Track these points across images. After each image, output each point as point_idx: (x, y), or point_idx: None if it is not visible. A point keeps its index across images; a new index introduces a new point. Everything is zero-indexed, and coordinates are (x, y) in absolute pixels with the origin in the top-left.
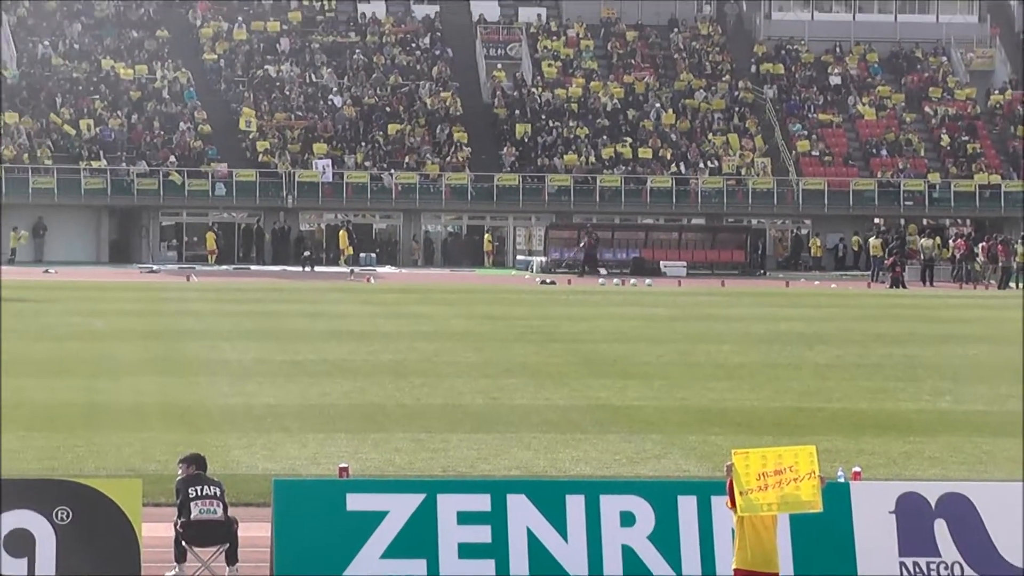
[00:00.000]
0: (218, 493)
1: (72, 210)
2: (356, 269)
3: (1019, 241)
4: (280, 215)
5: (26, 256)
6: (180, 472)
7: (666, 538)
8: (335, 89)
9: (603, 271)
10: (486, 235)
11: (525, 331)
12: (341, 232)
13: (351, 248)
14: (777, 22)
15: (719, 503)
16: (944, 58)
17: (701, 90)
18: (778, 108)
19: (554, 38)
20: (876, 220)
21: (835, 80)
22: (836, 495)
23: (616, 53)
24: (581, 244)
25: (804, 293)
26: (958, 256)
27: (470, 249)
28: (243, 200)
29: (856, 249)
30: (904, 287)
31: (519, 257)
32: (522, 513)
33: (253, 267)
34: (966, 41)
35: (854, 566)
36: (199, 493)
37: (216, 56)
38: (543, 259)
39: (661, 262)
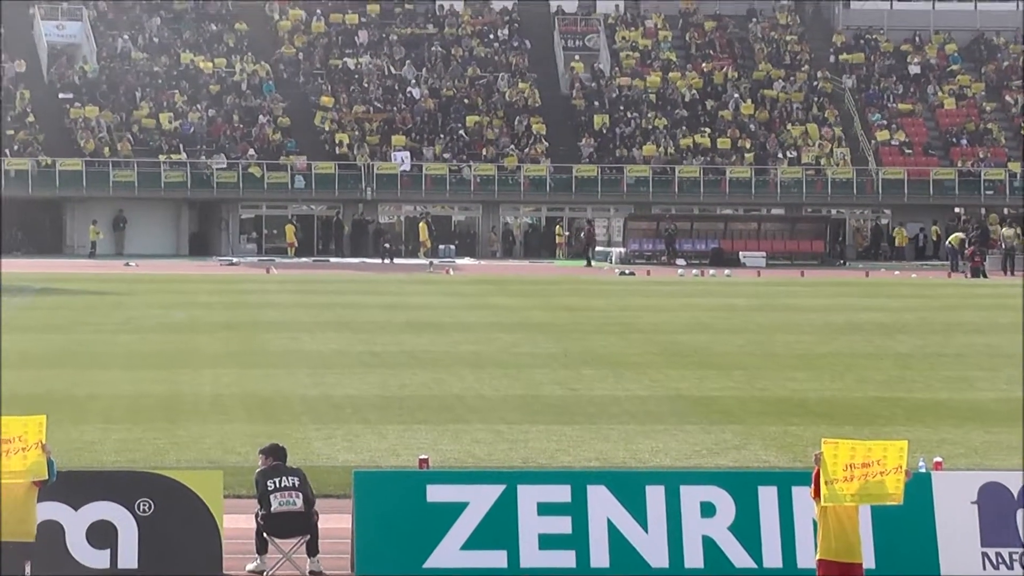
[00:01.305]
0: (296, 483)
1: (152, 203)
2: (435, 261)
3: None
4: (359, 207)
5: (106, 249)
6: (260, 463)
7: (747, 529)
8: (413, 81)
9: (682, 261)
10: (557, 226)
11: (604, 322)
12: (421, 224)
13: (430, 240)
14: (856, 11)
15: (800, 493)
16: None
17: (780, 80)
18: (857, 98)
19: (632, 29)
20: (956, 209)
21: (914, 69)
22: (918, 486)
23: (694, 43)
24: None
25: (884, 283)
26: None
27: (549, 240)
28: (322, 192)
29: (935, 239)
30: (985, 276)
31: (598, 248)
32: (602, 504)
33: (332, 259)
34: None
35: (936, 556)
36: (277, 485)
37: (294, 49)
38: (622, 250)
39: (740, 252)
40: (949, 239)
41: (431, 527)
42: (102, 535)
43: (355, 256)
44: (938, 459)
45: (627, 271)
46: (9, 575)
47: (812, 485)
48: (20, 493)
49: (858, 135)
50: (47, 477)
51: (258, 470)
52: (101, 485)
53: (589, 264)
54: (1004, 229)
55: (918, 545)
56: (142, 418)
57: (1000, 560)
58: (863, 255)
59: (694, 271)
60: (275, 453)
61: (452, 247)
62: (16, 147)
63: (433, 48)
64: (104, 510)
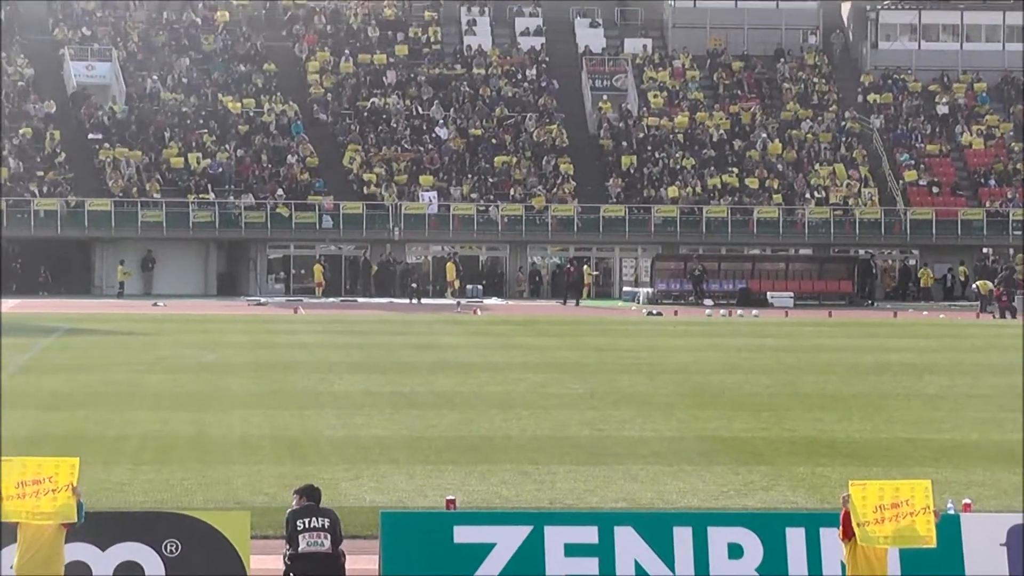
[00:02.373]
0: (326, 524)
1: (181, 243)
2: (463, 301)
3: None
4: (387, 247)
5: (135, 289)
6: (294, 503)
7: (775, 570)
8: (441, 121)
9: (709, 301)
10: (585, 267)
11: (632, 362)
12: (449, 264)
13: (459, 280)
14: (884, 52)
15: (828, 535)
16: None
17: (808, 120)
18: (885, 138)
19: (660, 69)
20: (985, 250)
21: (942, 109)
22: (947, 527)
23: (722, 83)
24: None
25: (912, 323)
26: None
27: (576, 280)
28: (350, 232)
29: (963, 279)
30: (1014, 316)
31: (625, 288)
32: (630, 545)
33: (360, 299)
34: None
35: None
36: (307, 525)
37: (323, 89)
38: (650, 290)
39: (768, 292)
40: (976, 284)
41: (458, 568)
42: None
43: (383, 296)
44: (967, 500)
45: (655, 311)
46: None
47: (840, 526)
48: (49, 534)
49: (886, 175)
50: (76, 519)
51: (290, 509)
52: (129, 526)
53: (565, 303)
54: None
55: None
56: (171, 459)
57: None
58: (891, 295)
59: (722, 311)
60: (309, 493)
61: (480, 287)
62: (46, 188)
63: (461, 88)
64: (131, 551)
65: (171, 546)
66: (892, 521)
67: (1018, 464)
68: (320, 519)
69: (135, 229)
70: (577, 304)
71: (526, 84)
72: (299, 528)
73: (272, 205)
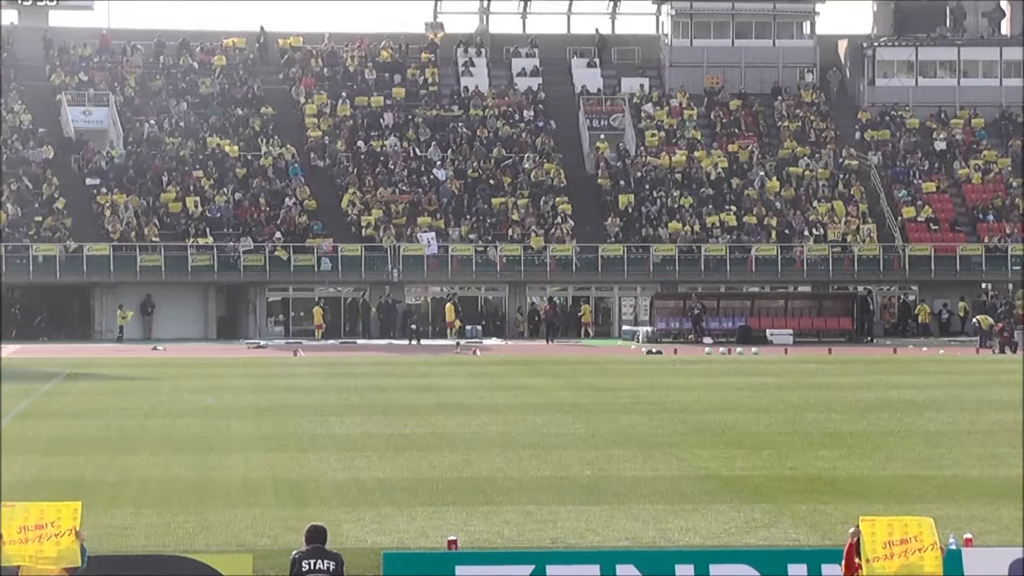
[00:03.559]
0: (331, 568)
1: (180, 287)
2: (462, 342)
3: None
4: (386, 289)
5: (135, 333)
6: (304, 544)
7: None
8: (439, 162)
9: (709, 340)
10: (584, 306)
11: (632, 402)
12: (448, 305)
13: (458, 320)
14: (881, 88)
15: (830, 571)
16: None
17: (805, 158)
18: (883, 174)
19: (657, 108)
20: (984, 285)
21: (940, 145)
22: (949, 562)
23: (720, 122)
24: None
25: (913, 360)
26: None
27: (576, 320)
28: (348, 274)
29: (962, 315)
30: (1014, 351)
31: (625, 327)
32: None
33: (359, 341)
34: None
35: None
36: (311, 567)
37: (320, 132)
38: (649, 329)
39: (767, 330)
40: (977, 318)
41: None
42: None
43: (382, 337)
44: (968, 535)
45: (654, 350)
46: None
47: (843, 562)
48: None
49: (884, 211)
50: (79, 564)
51: (297, 551)
52: (131, 569)
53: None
54: None
55: None
56: (172, 502)
57: None
58: (891, 332)
59: (721, 349)
60: (314, 535)
61: (479, 328)
62: (44, 233)
63: (459, 129)
64: None
65: None
66: (901, 557)
67: (1019, 499)
68: (326, 562)
69: (134, 273)
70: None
71: (523, 124)
72: (304, 569)
73: (271, 248)
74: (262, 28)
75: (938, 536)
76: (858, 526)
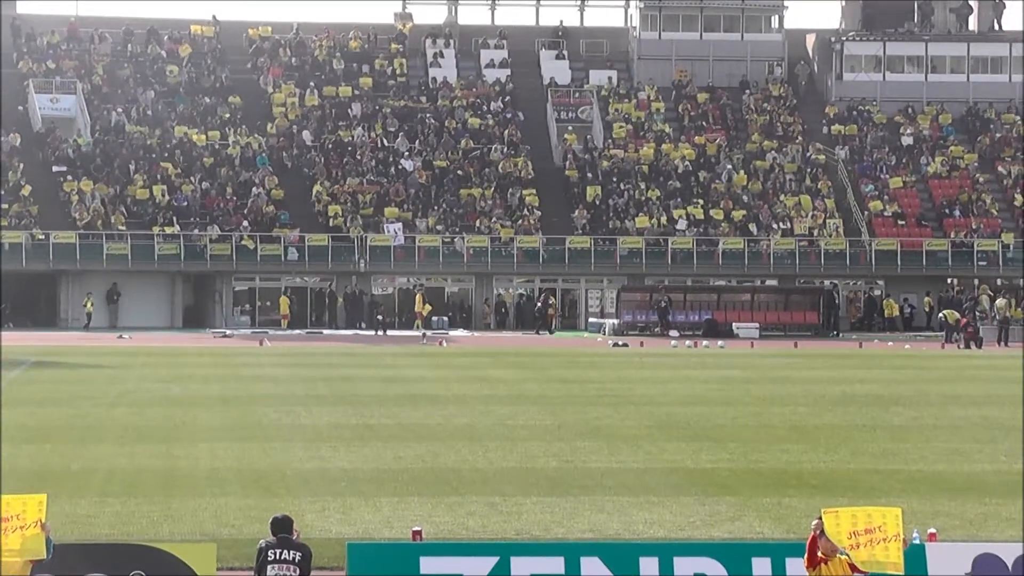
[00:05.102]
0: (297, 559)
1: (146, 276)
2: (429, 333)
3: None
4: (352, 279)
5: (101, 322)
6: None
7: None
8: (406, 153)
9: (675, 333)
10: (551, 298)
11: (599, 394)
12: (418, 295)
13: (429, 305)
14: (848, 83)
15: (794, 565)
16: (1017, 117)
17: (773, 151)
18: (850, 169)
19: (625, 100)
20: (949, 280)
21: (907, 140)
22: (913, 556)
23: (687, 115)
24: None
25: (878, 354)
26: None
27: (542, 312)
28: (315, 265)
29: (928, 310)
30: (979, 347)
31: (591, 320)
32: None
33: (325, 331)
34: None
35: None
36: (277, 556)
37: (288, 122)
38: (615, 321)
39: (734, 324)
40: (943, 313)
41: None
42: None
43: (349, 328)
44: (933, 530)
45: (621, 343)
46: None
47: (806, 555)
48: (15, 568)
49: (851, 206)
50: (44, 556)
51: (264, 540)
52: (95, 558)
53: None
54: (998, 300)
55: None
56: (138, 491)
57: None
58: (856, 326)
59: (687, 342)
60: (280, 525)
61: (445, 319)
62: (10, 220)
63: (426, 120)
64: None
65: None
66: (867, 547)
67: (983, 495)
68: (292, 552)
69: (100, 262)
70: (550, 332)
71: (491, 116)
72: (269, 558)
73: (238, 237)
74: (214, 16)
75: (903, 526)
76: (820, 518)
